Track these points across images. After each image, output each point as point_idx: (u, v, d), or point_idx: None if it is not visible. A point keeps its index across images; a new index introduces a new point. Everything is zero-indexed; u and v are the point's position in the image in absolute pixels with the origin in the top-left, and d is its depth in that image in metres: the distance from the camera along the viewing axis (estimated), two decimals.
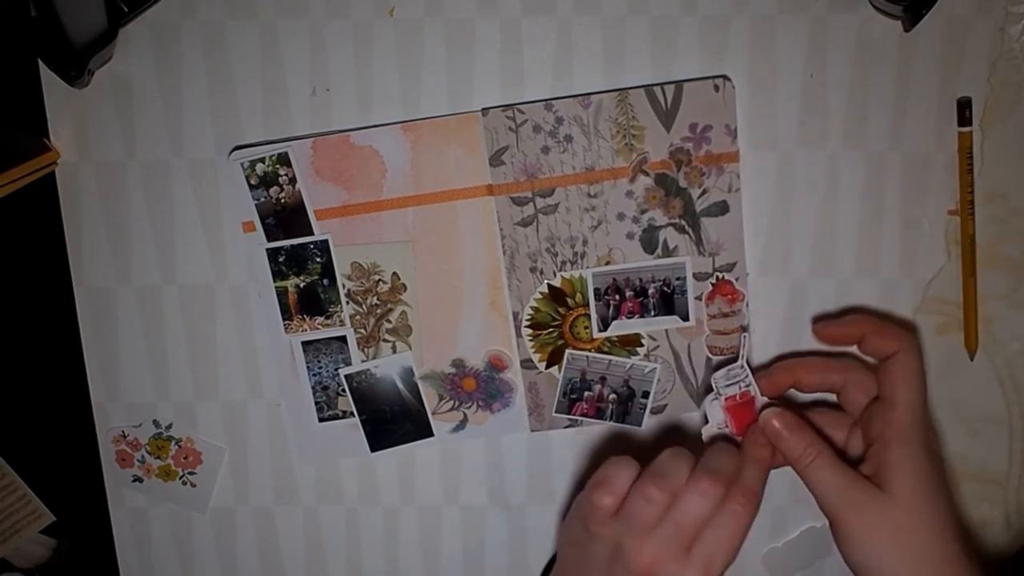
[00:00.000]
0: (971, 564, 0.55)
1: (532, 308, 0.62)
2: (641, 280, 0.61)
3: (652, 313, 0.62)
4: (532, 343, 0.62)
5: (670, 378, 0.63)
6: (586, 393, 0.63)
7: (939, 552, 0.54)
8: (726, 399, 0.60)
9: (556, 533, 0.63)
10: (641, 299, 0.62)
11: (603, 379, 0.63)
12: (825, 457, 0.56)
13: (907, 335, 0.57)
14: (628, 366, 0.63)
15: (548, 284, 0.61)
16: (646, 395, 0.63)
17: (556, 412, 0.64)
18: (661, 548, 0.53)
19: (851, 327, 0.59)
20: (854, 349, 0.60)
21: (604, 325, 0.62)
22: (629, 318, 0.62)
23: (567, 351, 0.63)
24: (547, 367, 0.63)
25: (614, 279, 0.61)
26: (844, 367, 0.59)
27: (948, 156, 0.61)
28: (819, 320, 0.62)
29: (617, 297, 0.62)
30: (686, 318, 0.62)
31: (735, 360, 0.61)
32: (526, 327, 0.62)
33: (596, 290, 0.62)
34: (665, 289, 0.62)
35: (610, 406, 0.63)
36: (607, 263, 0.61)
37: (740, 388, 0.60)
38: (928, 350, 0.63)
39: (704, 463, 0.55)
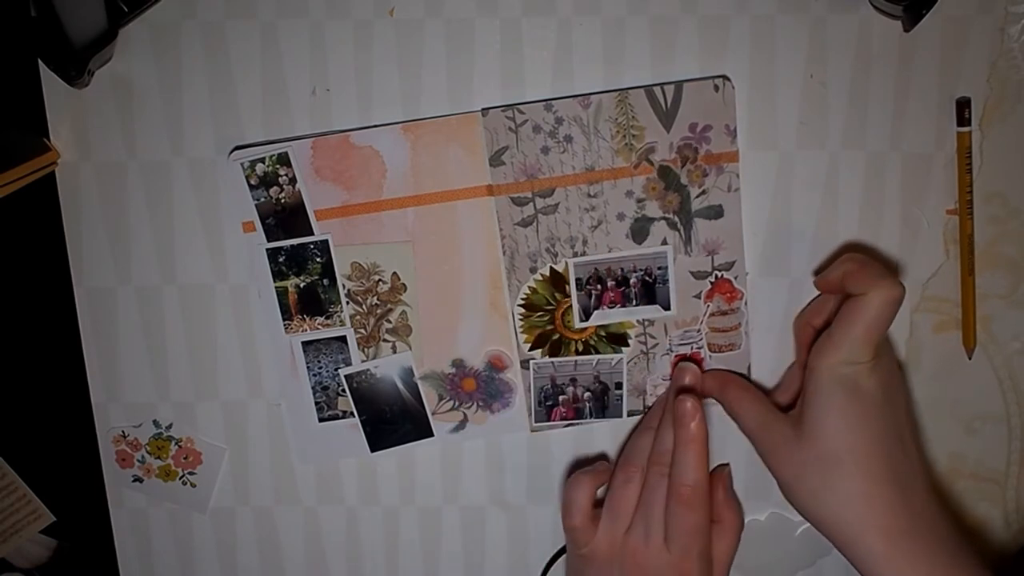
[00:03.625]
0: (935, 533, 0.53)
1: (529, 288, 0.62)
2: (623, 270, 0.61)
3: (634, 303, 0.62)
4: (522, 323, 0.62)
5: (642, 364, 0.63)
6: (560, 397, 0.64)
7: (846, 496, 0.53)
8: (676, 355, 0.62)
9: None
10: (623, 289, 0.62)
11: (573, 380, 0.63)
12: (748, 394, 0.59)
13: (884, 280, 0.54)
14: (595, 362, 0.63)
15: (551, 268, 0.61)
16: (619, 386, 0.63)
17: (536, 422, 0.64)
18: (640, 534, 0.58)
19: (839, 266, 0.57)
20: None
21: (586, 315, 0.62)
22: (611, 308, 0.62)
23: (531, 362, 0.63)
24: (531, 349, 0.62)
25: (595, 269, 0.61)
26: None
27: (947, 156, 0.61)
28: (818, 271, 0.61)
29: (599, 287, 0.62)
30: (668, 307, 0.62)
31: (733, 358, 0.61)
32: (519, 306, 0.62)
33: (578, 280, 0.62)
34: (647, 279, 0.62)
35: (587, 404, 0.64)
36: None
37: (692, 348, 0.62)
38: (926, 349, 0.63)
39: (658, 451, 0.60)
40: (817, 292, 0.61)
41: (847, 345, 0.54)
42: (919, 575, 0.52)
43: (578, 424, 0.64)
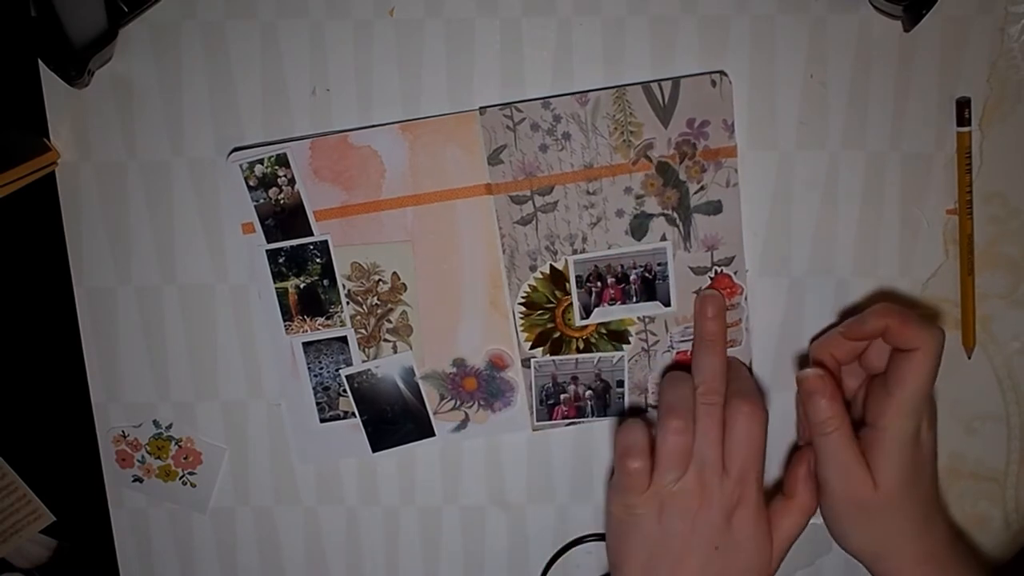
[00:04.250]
0: (949, 552, 0.58)
1: (529, 287, 0.62)
2: (623, 267, 0.61)
3: (634, 299, 0.62)
4: (523, 321, 0.62)
5: (643, 362, 0.63)
6: (562, 396, 0.64)
7: (898, 535, 0.58)
8: (677, 352, 0.62)
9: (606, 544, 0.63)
10: (623, 286, 0.62)
11: (575, 378, 0.63)
12: (842, 432, 0.57)
13: (930, 334, 0.56)
14: (596, 360, 0.63)
15: (551, 266, 0.61)
16: (621, 384, 0.63)
17: (538, 421, 0.64)
18: (701, 476, 0.57)
19: (875, 320, 0.58)
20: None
21: (587, 312, 0.62)
22: (611, 305, 0.62)
23: (532, 360, 0.63)
24: (531, 347, 0.62)
25: (595, 266, 0.61)
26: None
27: (947, 156, 0.61)
28: (845, 321, 0.60)
29: (599, 284, 0.62)
30: (668, 303, 0.62)
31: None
32: (520, 304, 0.62)
33: (578, 277, 0.62)
34: (647, 275, 0.62)
35: (588, 403, 0.64)
36: None
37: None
38: None
39: (700, 382, 0.59)
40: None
41: (910, 404, 0.56)
42: None
43: (580, 423, 0.64)
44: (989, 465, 0.65)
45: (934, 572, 0.58)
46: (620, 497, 0.59)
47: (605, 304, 0.62)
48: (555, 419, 0.64)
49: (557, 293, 0.62)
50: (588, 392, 0.63)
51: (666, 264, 0.61)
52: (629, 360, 0.63)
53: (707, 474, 0.57)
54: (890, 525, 0.57)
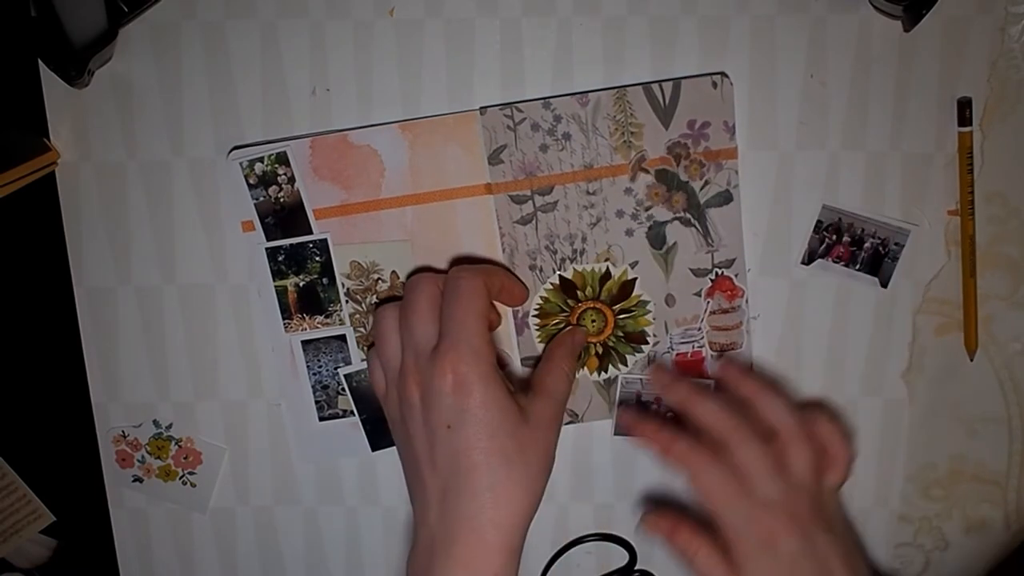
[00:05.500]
0: None
1: (541, 298, 0.62)
2: (864, 231, 0.61)
3: (857, 267, 0.62)
4: (538, 333, 0.62)
5: (643, 362, 0.63)
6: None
7: None
8: (677, 354, 0.62)
9: None
10: (854, 249, 0.62)
11: (659, 398, 0.63)
12: (704, 553, 0.57)
13: (693, 456, 0.56)
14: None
15: (560, 276, 0.61)
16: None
17: (615, 435, 0.64)
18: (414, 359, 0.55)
19: (645, 434, 0.59)
20: None
21: (809, 259, 0.62)
22: (836, 263, 0.62)
23: (620, 375, 0.63)
24: None
25: (840, 218, 0.61)
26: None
27: (948, 156, 0.61)
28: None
29: (834, 237, 0.61)
30: (885, 285, 0.62)
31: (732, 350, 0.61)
32: (533, 316, 0.62)
33: (819, 222, 0.61)
34: (880, 249, 0.61)
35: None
36: (606, 259, 0.61)
37: (693, 347, 0.62)
38: (929, 352, 0.63)
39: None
40: None
41: (726, 516, 0.56)
42: None
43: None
44: (991, 468, 0.64)
45: None
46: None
47: (831, 259, 0.62)
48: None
49: (569, 302, 0.61)
50: (669, 413, 0.63)
51: (903, 246, 0.61)
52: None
53: (419, 356, 0.54)
54: None
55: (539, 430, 0.55)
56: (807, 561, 0.55)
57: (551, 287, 0.61)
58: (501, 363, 0.63)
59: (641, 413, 0.62)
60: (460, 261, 0.61)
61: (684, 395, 0.59)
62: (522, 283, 0.61)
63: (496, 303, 0.60)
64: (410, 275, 0.61)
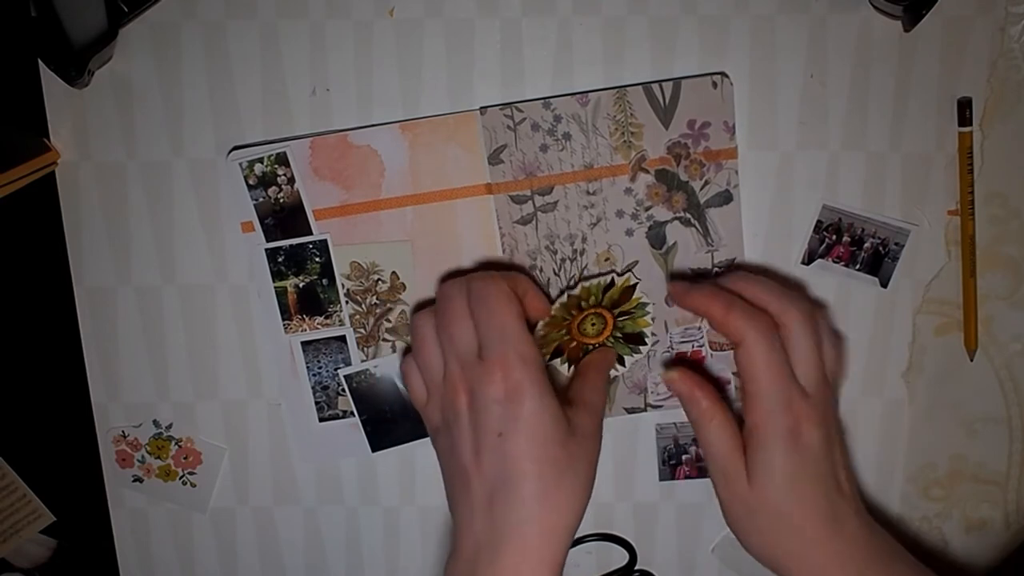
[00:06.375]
0: (866, 554, 0.54)
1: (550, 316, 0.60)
2: (864, 231, 0.61)
3: (857, 267, 0.62)
4: (543, 348, 0.61)
5: (643, 361, 0.63)
6: (684, 456, 0.64)
7: (788, 540, 0.54)
8: (677, 353, 0.62)
9: None
10: (854, 249, 0.62)
11: (695, 440, 0.63)
12: (719, 421, 0.55)
13: (752, 326, 0.54)
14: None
15: (568, 294, 0.59)
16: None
17: (660, 480, 0.65)
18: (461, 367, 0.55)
19: (698, 301, 0.56)
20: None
21: (809, 259, 0.62)
22: (836, 263, 0.62)
23: (655, 423, 0.64)
24: (549, 359, 0.62)
25: (840, 218, 0.61)
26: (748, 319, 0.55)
27: (948, 156, 0.61)
28: (677, 280, 0.59)
29: (834, 237, 0.61)
30: (885, 285, 0.62)
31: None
32: (540, 336, 0.60)
33: (819, 222, 0.61)
34: (881, 249, 0.62)
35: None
36: (606, 259, 0.61)
37: (693, 347, 0.62)
38: (929, 352, 0.63)
39: None
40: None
41: (765, 401, 0.54)
42: None
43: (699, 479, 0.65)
44: (990, 468, 0.64)
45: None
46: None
47: (830, 259, 0.62)
48: (678, 478, 0.65)
49: (573, 311, 0.61)
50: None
51: (903, 246, 0.61)
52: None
53: (464, 364, 0.54)
54: (781, 529, 0.54)
55: (586, 441, 0.54)
56: (824, 461, 0.54)
57: (560, 307, 0.59)
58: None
59: (692, 283, 0.60)
60: (460, 261, 0.61)
61: (734, 280, 0.57)
62: (545, 294, 0.59)
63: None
64: (442, 280, 0.60)
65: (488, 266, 0.61)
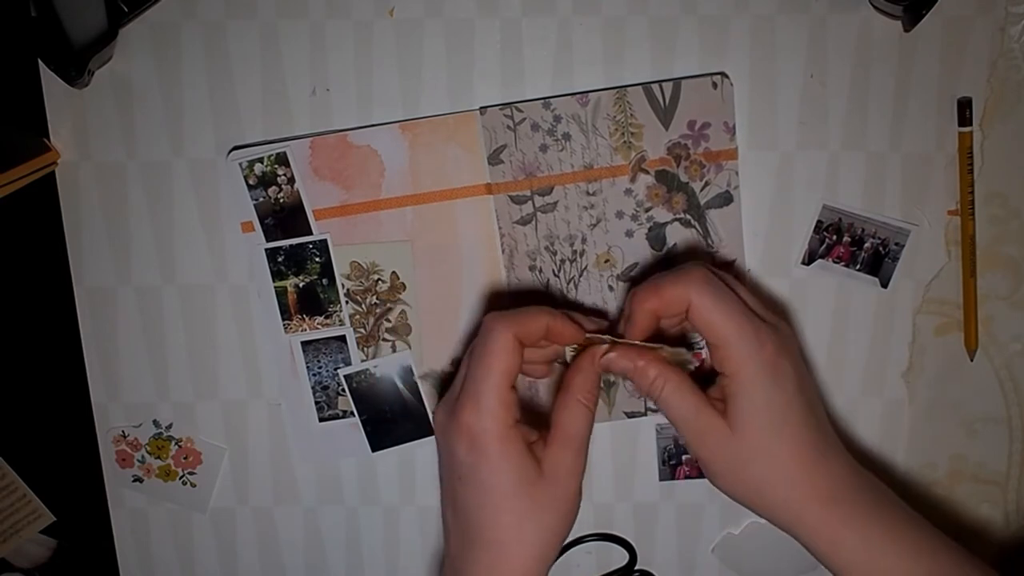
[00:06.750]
0: (853, 488, 0.54)
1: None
2: (863, 231, 0.61)
3: (857, 267, 0.62)
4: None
5: None
6: (684, 456, 0.65)
7: (780, 480, 0.54)
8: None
9: None
10: (854, 249, 0.62)
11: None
12: (672, 384, 0.54)
13: (685, 282, 0.53)
14: None
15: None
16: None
17: (660, 480, 0.65)
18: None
19: (638, 311, 0.55)
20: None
21: (810, 259, 0.62)
22: (836, 263, 0.62)
23: (656, 423, 0.64)
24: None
25: (840, 218, 0.61)
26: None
27: (948, 156, 0.61)
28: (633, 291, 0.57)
29: (835, 237, 0.62)
30: (885, 285, 0.62)
31: None
32: (570, 353, 0.58)
33: (819, 222, 0.61)
34: (881, 249, 0.62)
35: None
36: (606, 261, 0.61)
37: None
38: (929, 351, 0.63)
39: None
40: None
41: (731, 347, 0.53)
42: (855, 535, 0.53)
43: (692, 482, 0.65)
44: (990, 467, 0.64)
45: (838, 513, 0.53)
46: None
47: (830, 260, 0.62)
48: (678, 478, 0.65)
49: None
50: None
51: (903, 246, 0.61)
52: None
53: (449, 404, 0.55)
54: (768, 472, 0.53)
55: (556, 482, 0.54)
56: (802, 393, 0.54)
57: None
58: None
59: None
60: (460, 261, 0.61)
61: (638, 301, 0.56)
62: (575, 322, 0.56)
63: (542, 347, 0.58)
64: (485, 313, 0.58)
65: (469, 263, 0.61)
